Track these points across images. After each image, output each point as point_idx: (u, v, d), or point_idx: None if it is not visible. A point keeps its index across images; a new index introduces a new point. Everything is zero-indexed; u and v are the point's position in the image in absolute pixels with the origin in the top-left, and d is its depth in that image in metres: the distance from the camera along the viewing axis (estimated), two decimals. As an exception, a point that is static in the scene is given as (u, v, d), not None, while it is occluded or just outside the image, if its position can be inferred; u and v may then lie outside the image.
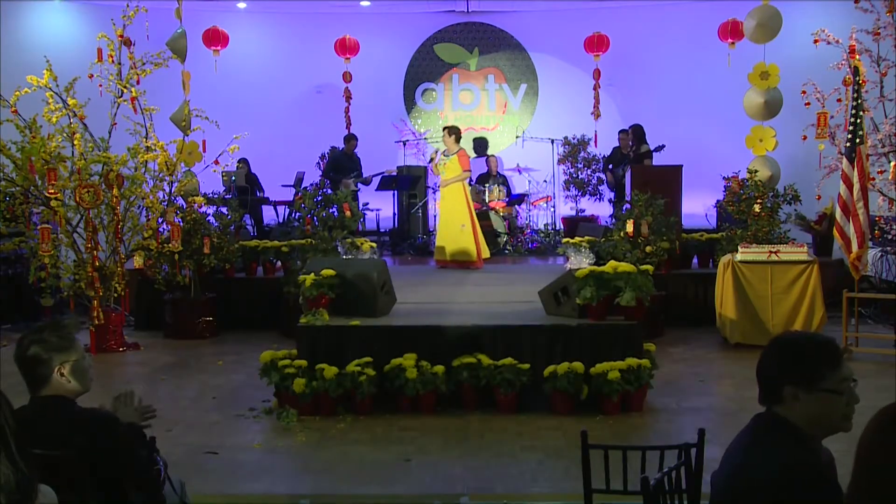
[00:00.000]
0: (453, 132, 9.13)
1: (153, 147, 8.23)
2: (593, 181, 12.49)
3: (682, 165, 10.52)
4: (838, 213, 7.33)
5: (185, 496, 3.01)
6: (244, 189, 11.23)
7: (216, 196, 9.32)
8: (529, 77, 13.73)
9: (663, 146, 10.63)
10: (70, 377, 2.55)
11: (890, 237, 8.72)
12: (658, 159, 11.07)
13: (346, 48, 12.70)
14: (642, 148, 10.45)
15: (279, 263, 9.14)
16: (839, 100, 8.79)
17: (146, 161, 8.22)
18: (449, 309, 6.75)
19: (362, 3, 13.17)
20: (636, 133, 10.78)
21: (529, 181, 12.23)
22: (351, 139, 12.02)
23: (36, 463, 1.77)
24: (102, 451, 2.50)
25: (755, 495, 1.89)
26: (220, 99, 10.90)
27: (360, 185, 11.76)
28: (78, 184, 7.63)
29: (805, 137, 8.96)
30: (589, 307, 5.98)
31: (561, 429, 5.34)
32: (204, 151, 8.74)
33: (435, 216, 12.42)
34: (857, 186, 7.16)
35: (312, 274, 6.26)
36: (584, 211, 12.50)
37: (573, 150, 12.53)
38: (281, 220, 11.80)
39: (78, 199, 7.61)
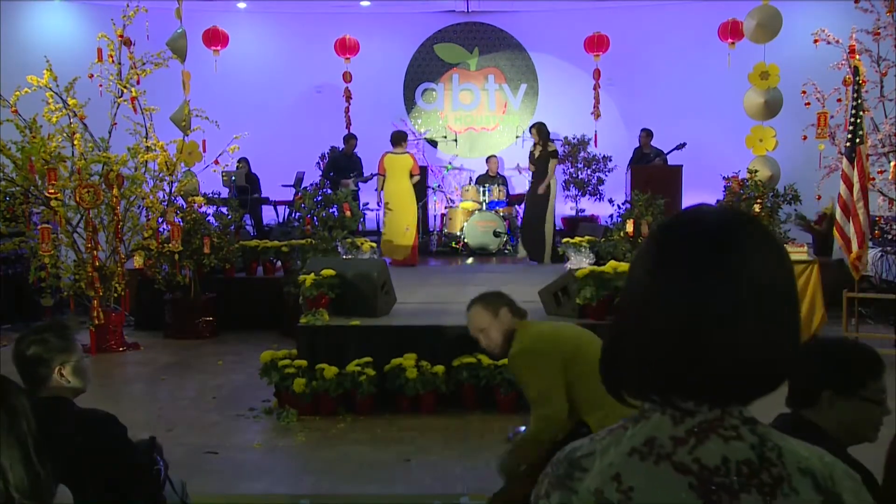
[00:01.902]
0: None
1: (153, 147, 8.23)
2: (593, 181, 12.50)
3: (682, 165, 10.54)
4: (838, 213, 7.33)
5: (185, 497, 3.01)
6: (244, 189, 11.24)
7: (216, 196, 9.31)
8: (529, 77, 13.72)
9: (684, 144, 10.55)
10: (70, 377, 2.55)
11: (890, 237, 8.73)
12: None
13: (346, 48, 12.70)
14: (549, 147, 9.76)
15: (279, 263, 9.14)
16: (839, 100, 8.80)
17: (146, 161, 8.22)
18: (449, 309, 6.74)
19: (362, 3, 13.17)
20: (540, 132, 9.84)
21: (529, 181, 12.22)
22: (351, 139, 12.02)
23: (54, 465, 1.77)
24: (102, 450, 2.50)
25: None
26: (220, 99, 10.89)
27: (359, 185, 11.75)
28: (78, 184, 7.63)
29: (805, 137, 8.96)
30: (589, 307, 5.98)
31: (561, 429, 5.34)
32: (204, 151, 8.75)
33: (435, 216, 12.47)
34: (857, 186, 7.16)
35: (312, 274, 6.26)
36: (584, 211, 12.50)
37: (573, 150, 12.54)
38: (281, 220, 11.80)
39: (78, 199, 7.61)
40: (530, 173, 10.09)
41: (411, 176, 9.65)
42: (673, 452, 1.00)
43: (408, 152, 9.83)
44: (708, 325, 0.99)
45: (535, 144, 9.77)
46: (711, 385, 1.00)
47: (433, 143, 12.86)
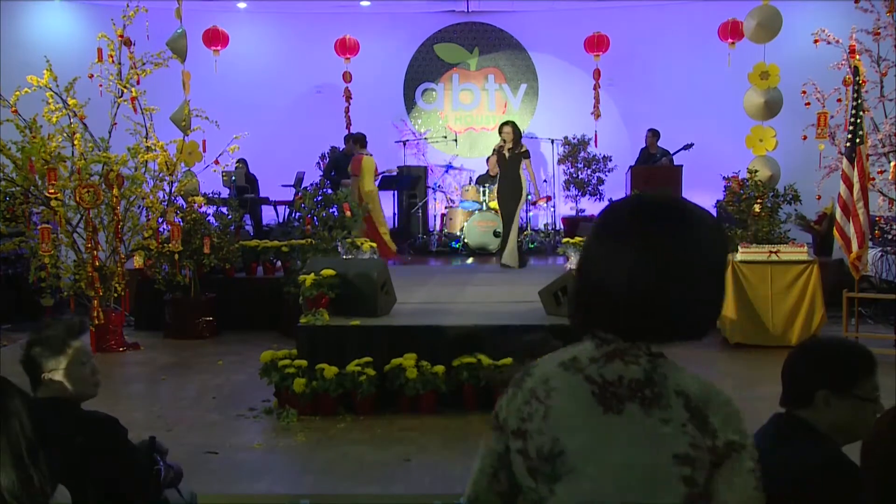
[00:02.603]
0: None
1: (153, 147, 8.23)
2: (593, 181, 12.50)
3: (682, 165, 10.55)
4: (838, 213, 7.33)
5: (194, 506, 3.00)
6: (244, 189, 11.24)
7: (216, 196, 9.31)
8: (529, 77, 13.73)
9: (691, 144, 10.55)
10: (64, 381, 2.54)
11: (890, 237, 8.73)
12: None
13: (346, 48, 12.70)
14: (520, 148, 8.99)
15: (279, 263, 9.14)
16: (839, 100, 8.80)
17: (146, 161, 8.22)
18: (449, 309, 6.75)
19: (362, 3, 13.18)
20: (515, 130, 9.06)
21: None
22: (351, 139, 12.02)
23: (52, 466, 1.76)
24: (102, 452, 2.49)
25: (791, 494, 1.89)
26: (220, 99, 10.89)
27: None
28: (78, 184, 7.63)
29: (805, 137, 8.96)
30: (589, 307, 5.96)
31: (561, 429, 5.33)
32: (204, 151, 8.74)
33: (434, 216, 12.47)
34: (857, 186, 7.16)
35: (312, 274, 6.26)
36: (584, 211, 12.50)
37: (573, 150, 12.54)
38: (281, 220, 11.80)
39: (78, 199, 7.61)
40: (482, 173, 9.83)
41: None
42: (586, 367, 1.37)
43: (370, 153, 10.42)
44: (624, 284, 1.31)
45: (504, 144, 8.98)
46: (625, 326, 1.34)
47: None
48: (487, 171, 11.90)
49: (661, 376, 1.33)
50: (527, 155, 9.05)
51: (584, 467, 1.32)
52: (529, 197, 9.65)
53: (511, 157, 8.96)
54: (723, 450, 1.29)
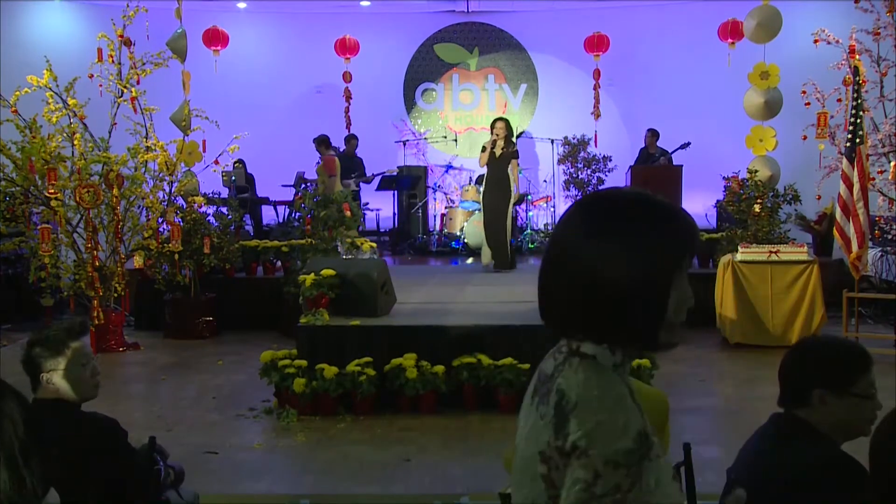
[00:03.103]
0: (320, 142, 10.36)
1: (153, 147, 8.23)
2: (593, 181, 12.48)
3: (682, 165, 10.54)
4: (838, 213, 7.33)
5: (196, 507, 3.00)
6: (244, 189, 11.23)
7: (216, 196, 9.32)
8: (529, 77, 13.72)
9: (689, 143, 10.55)
10: (62, 383, 2.54)
11: (890, 237, 8.72)
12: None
13: (346, 48, 12.70)
14: (511, 147, 8.75)
15: (279, 263, 9.14)
16: (839, 100, 8.80)
17: (146, 161, 8.22)
18: (449, 309, 6.75)
19: (362, 3, 13.17)
20: (508, 127, 8.82)
21: (529, 181, 12.23)
22: (351, 139, 12.02)
23: (45, 468, 1.76)
24: (101, 455, 2.49)
25: (790, 494, 1.89)
26: (220, 99, 10.89)
27: (360, 185, 11.75)
28: (78, 184, 7.63)
29: (805, 137, 8.96)
30: (589, 307, 5.96)
31: (561, 429, 5.33)
32: (204, 151, 8.75)
33: (434, 216, 12.48)
34: (857, 186, 7.16)
35: (312, 274, 6.26)
36: (584, 211, 12.47)
37: (573, 150, 12.52)
38: (281, 220, 11.80)
39: (78, 199, 7.61)
40: (481, 173, 9.25)
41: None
42: (544, 361, 1.42)
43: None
44: (565, 274, 1.33)
45: (495, 142, 8.63)
46: (563, 321, 1.36)
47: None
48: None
49: (559, 372, 1.33)
50: (516, 155, 8.83)
51: (516, 455, 1.44)
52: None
53: (501, 155, 8.71)
54: (568, 451, 1.23)
